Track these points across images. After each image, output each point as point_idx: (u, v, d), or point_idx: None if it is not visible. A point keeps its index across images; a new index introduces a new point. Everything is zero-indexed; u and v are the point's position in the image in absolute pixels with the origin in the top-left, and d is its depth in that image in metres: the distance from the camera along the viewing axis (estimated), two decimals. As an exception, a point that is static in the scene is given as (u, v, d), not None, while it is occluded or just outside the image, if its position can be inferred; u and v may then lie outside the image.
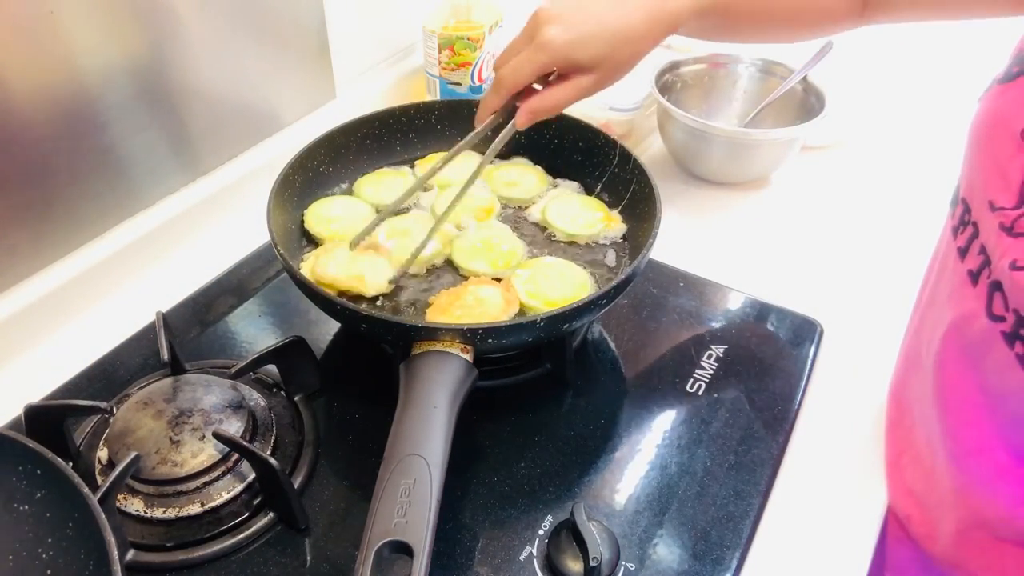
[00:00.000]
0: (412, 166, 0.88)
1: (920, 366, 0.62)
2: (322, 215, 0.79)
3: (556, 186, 0.85)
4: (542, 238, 0.80)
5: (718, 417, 0.69)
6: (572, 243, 0.79)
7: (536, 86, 0.67)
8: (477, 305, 0.68)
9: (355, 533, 0.57)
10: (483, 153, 0.87)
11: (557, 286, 0.71)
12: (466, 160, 0.87)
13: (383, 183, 0.84)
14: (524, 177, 0.85)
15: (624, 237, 0.79)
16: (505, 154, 0.88)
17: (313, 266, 0.72)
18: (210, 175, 0.89)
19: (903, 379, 0.68)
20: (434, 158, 0.87)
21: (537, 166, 0.87)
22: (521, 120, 0.67)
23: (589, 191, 0.84)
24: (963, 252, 0.54)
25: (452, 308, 0.68)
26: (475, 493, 0.63)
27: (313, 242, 0.78)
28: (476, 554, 0.58)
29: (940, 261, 0.60)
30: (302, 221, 0.79)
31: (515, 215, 0.83)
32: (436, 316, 0.68)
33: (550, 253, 0.77)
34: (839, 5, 0.71)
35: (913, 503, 0.64)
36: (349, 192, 0.84)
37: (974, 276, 0.52)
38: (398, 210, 0.78)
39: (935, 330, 0.58)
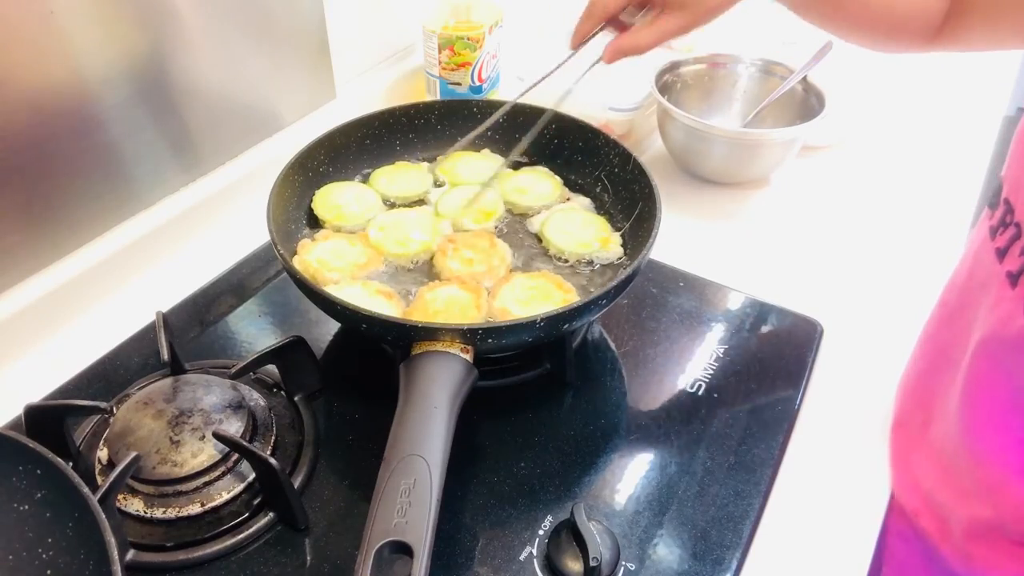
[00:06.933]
0: (432, 162, 0.88)
1: (947, 363, 0.62)
2: (330, 201, 0.80)
3: (568, 200, 0.84)
4: (536, 249, 0.79)
5: (718, 417, 0.69)
6: (563, 259, 0.77)
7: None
8: (451, 306, 0.69)
9: (355, 533, 0.57)
10: (505, 156, 0.88)
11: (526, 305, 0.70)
12: (485, 160, 0.87)
13: (398, 175, 0.85)
14: (537, 185, 0.84)
15: (620, 260, 0.77)
16: (530, 162, 0.89)
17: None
18: (210, 175, 0.89)
19: (921, 376, 0.68)
20: (456, 156, 0.88)
21: (556, 176, 0.86)
22: (608, 56, 0.72)
23: (600, 209, 0.83)
24: (1002, 253, 0.54)
25: (429, 318, 0.68)
26: (475, 493, 0.63)
27: (317, 225, 0.80)
28: (476, 554, 0.58)
29: (972, 260, 0.60)
30: (308, 209, 0.80)
31: (518, 222, 0.82)
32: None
33: (540, 265, 0.76)
34: (914, 23, 0.70)
35: (922, 499, 0.64)
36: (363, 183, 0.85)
37: (1014, 278, 0.52)
38: (407, 203, 0.83)
39: (967, 329, 0.58)
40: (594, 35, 0.73)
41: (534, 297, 0.70)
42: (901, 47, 0.74)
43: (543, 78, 0.78)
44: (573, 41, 0.74)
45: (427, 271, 0.76)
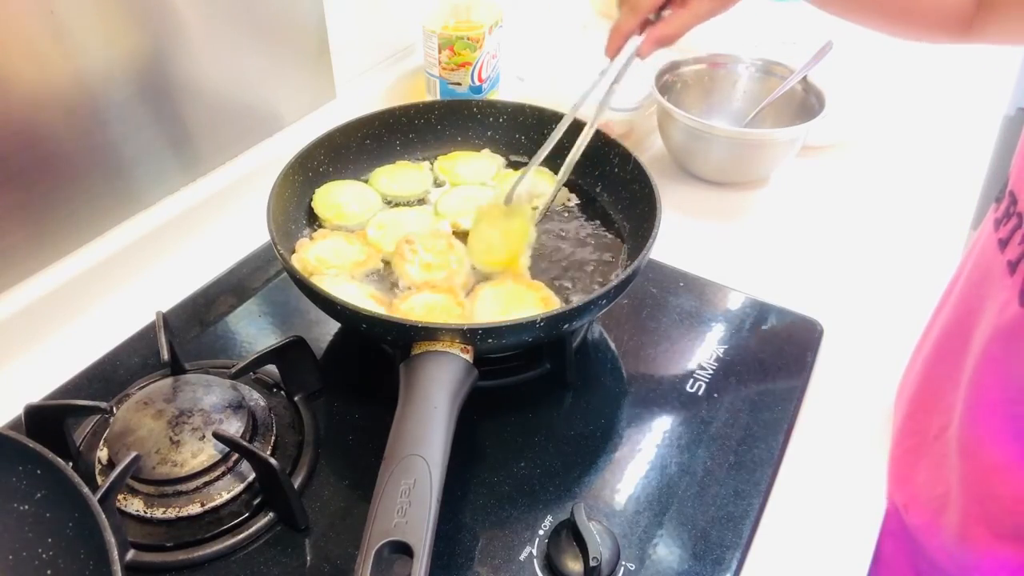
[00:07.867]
0: (432, 161, 0.88)
1: (950, 356, 0.62)
2: (330, 200, 0.80)
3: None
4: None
5: (718, 417, 0.69)
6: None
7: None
8: (432, 311, 0.68)
9: (355, 533, 0.57)
10: (504, 155, 0.87)
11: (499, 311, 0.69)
12: (486, 160, 0.87)
13: (398, 175, 0.85)
14: (537, 185, 0.83)
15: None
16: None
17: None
18: (210, 175, 0.89)
19: (921, 371, 0.68)
20: (456, 156, 0.88)
21: (556, 176, 0.85)
22: (645, 48, 0.69)
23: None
24: (1003, 243, 0.54)
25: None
26: (475, 493, 0.63)
27: (318, 224, 0.80)
28: (476, 554, 0.58)
29: (978, 253, 0.61)
30: (308, 208, 0.80)
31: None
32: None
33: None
34: (943, 15, 0.68)
35: (913, 493, 0.65)
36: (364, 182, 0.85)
37: (1012, 266, 0.53)
38: (407, 202, 0.84)
39: (973, 322, 0.58)
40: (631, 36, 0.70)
41: (509, 305, 0.69)
42: (930, 38, 0.73)
43: (589, 90, 0.74)
44: (612, 43, 0.70)
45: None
